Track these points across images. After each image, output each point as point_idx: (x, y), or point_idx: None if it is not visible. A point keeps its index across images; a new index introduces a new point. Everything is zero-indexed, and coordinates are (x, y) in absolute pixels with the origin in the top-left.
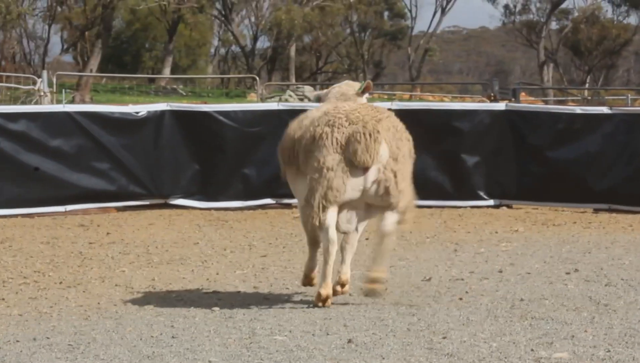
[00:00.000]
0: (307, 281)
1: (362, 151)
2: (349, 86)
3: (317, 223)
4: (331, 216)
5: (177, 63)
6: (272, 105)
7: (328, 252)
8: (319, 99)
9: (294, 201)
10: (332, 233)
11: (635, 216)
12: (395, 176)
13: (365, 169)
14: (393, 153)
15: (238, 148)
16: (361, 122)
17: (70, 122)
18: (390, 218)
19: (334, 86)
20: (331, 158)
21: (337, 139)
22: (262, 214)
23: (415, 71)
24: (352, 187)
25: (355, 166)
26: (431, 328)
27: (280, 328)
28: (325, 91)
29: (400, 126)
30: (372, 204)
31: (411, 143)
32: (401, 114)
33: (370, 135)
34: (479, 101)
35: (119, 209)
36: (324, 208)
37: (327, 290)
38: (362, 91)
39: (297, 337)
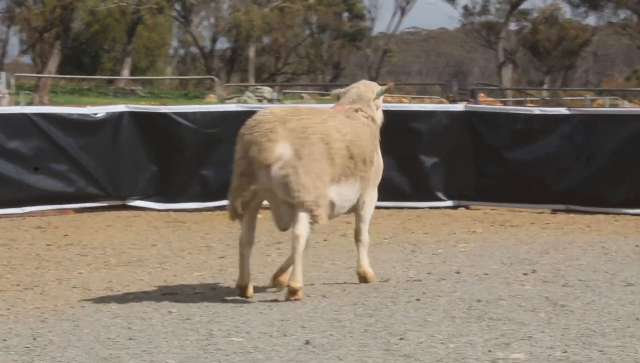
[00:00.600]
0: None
1: (256, 152)
2: (366, 87)
3: (235, 221)
4: (243, 221)
5: (136, 64)
6: (231, 106)
7: (239, 252)
8: (337, 98)
9: None
10: (243, 238)
11: (593, 216)
12: (296, 172)
13: (267, 168)
14: (297, 152)
15: (196, 149)
16: (260, 124)
17: (29, 124)
18: (300, 221)
19: (352, 85)
20: (240, 162)
21: (243, 144)
22: (220, 216)
23: (374, 71)
24: (261, 187)
25: (258, 166)
26: (388, 330)
27: (238, 330)
28: (344, 89)
29: (319, 128)
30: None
31: (333, 144)
32: None
33: (264, 136)
34: (437, 102)
35: (76, 211)
36: (237, 210)
37: (240, 282)
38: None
39: (254, 339)
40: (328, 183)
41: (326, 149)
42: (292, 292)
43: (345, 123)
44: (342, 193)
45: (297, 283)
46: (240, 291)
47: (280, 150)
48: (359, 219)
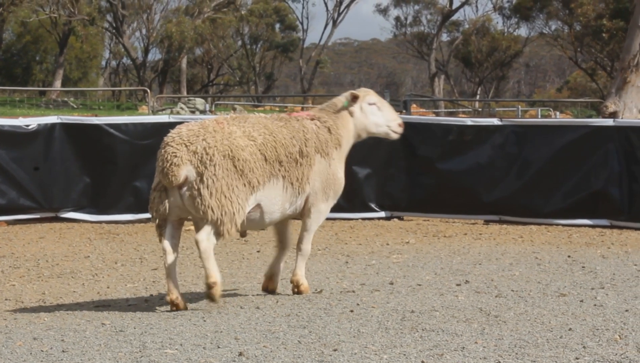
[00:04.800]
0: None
1: (163, 175)
2: (342, 97)
3: (159, 238)
4: (166, 231)
5: (68, 76)
6: (164, 117)
7: (165, 262)
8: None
9: None
10: (166, 245)
11: (526, 227)
12: (200, 194)
13: (179, 188)
14: (200, 174)
15: (129, 160)
16: (167, 147)
17: None
18: (203, 229)
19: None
20: (155, 179)
21: (158, 162)
22: (153, 228)
23: (306, 82)
24: (174, 204)
25: (168, 186)
26: (322, 341)
27: (171, 342)
28: None
29: (222, 145)
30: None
31: (240, 156)
32: None
33: (167, 160)
34: None
35: (9, 222)
36: (159, 225)
37: (170, 296)
38: (352, 101)
39: (188, 350)
40: (240, 196)
41: (231, 164)
42: (208, 287)
43: (260, 126)
44: (268, 196)
45: (211, 278)
46: (172, 305)
47: (185, 173)
48: (303, 227)
